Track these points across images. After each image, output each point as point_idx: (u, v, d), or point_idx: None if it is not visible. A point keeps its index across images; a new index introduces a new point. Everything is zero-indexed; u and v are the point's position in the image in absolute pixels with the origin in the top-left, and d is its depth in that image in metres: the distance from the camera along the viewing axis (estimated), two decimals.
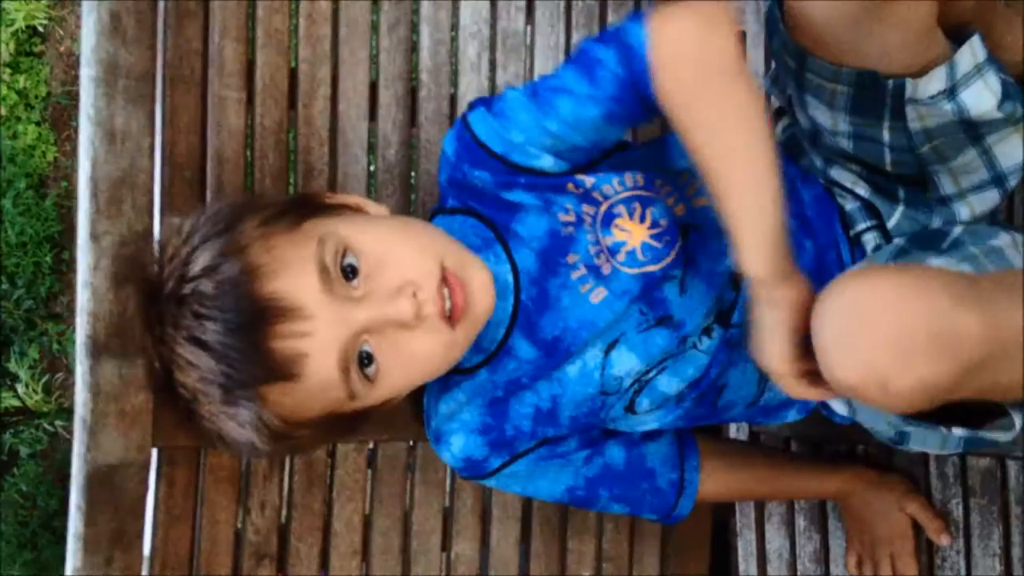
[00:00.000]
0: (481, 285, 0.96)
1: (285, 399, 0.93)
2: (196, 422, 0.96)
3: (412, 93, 1.21)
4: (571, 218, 1.03)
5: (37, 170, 3.36)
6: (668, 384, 1.05)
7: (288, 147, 1.15)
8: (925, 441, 0.97)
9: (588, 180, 1.03)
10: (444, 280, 0.93)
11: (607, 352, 1.03)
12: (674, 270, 1.02)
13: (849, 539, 1.28)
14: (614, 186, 1.03)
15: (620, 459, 1.12)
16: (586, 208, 1.03)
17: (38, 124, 3.38)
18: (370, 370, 0.93)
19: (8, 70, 3.33)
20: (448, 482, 1.22)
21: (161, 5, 1.07)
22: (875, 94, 0.93)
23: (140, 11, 1.04)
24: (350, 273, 0.92)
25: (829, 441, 1.30)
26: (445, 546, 1.22)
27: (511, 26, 1.25)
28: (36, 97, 3.39)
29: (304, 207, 0.97)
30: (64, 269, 3.38)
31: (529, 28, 1.27)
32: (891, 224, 1.05)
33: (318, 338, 0.90)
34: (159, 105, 1.08)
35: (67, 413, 2.96)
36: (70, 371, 3.31)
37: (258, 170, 1.13)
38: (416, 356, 0.94)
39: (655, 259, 1.01)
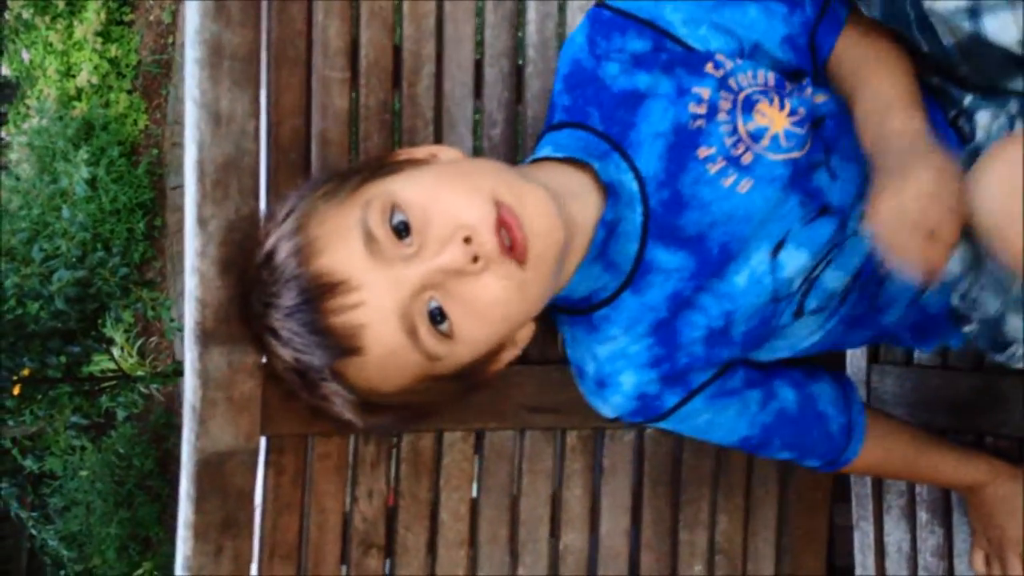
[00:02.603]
0: (540, 214, 0.90)
1: (363, 373, 0.92)
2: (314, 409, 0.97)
3: (518, 70, 1.17)
4: (702, 109, 0.99)
5: (129, 138, 3.41)
6: (834, 279, 1.01)
7: (393, 127, 1.12)
8: None
9: (728, 63, 1.02)
10: (501, 212, 0.88)
11: (775, 253, 0.99)
12: (817, 155, 1.00)
13: (975, 535, 1.22)
14: (748, 77, 1.02)
15: (792, 402, 1.07)
16: (723, 95, 1.00)
17: (129, 92, 3.43)
18: (444, 326, 0.90)
19: (99, 39, 3.37)
20: (557, 471, 1.19)
21: None
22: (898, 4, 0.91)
23: None
24: (403, 231, 0.89)
25: (956, 431, 1.24)
26: (554, 535, 1.19)
27: None
28: (127, 66, 3.43)
29: (367, 170, 0.95)
30: (156, 235, 3.44)
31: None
32: (967, 103, 1.01)
33: (372, 306, 0.88)
34: (263, 87, 1.05)
35: (161, 377, 3.02)
36: (163, 336, 3.38)
37: (363, 152, 1.11)
38: (486, 303, 0.90)
39: (799, 145, 0.99)
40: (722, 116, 0.99)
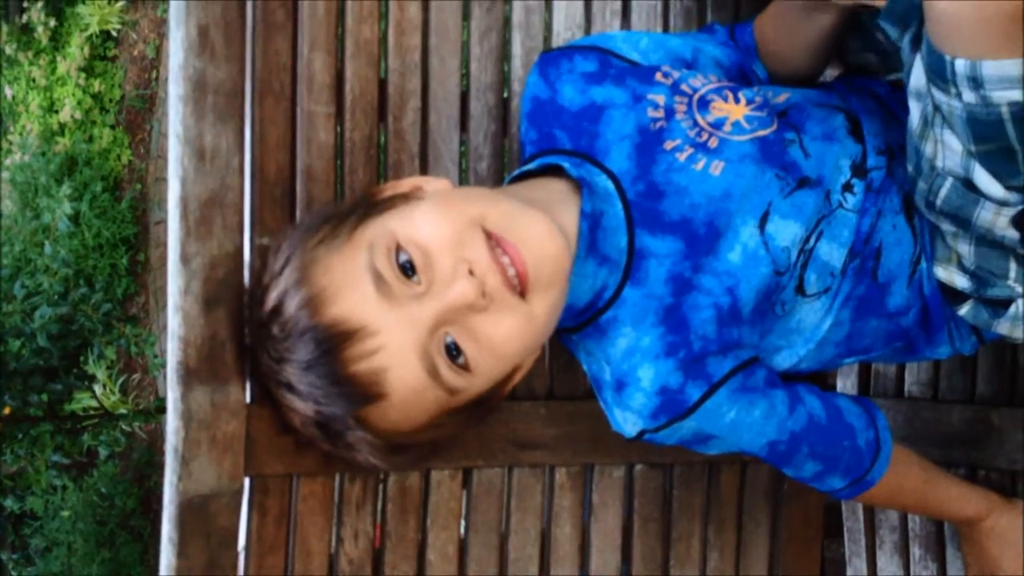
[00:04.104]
0: (539, 237, 0.90)
1: (385, 416, 0.91)
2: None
3: (504, 103, 1.17)
4: (660, 113, 1.04)
5: (112, 173, 3.40)
6: (829, 252, 1.02)
7: (378, 161, 1.11)
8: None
9: (675, 72, 1.08)
10: (494, 242, 0.89)
11: (762, 227, 0.99)
12: (787, 134, 1.02)
13: (969, 569, 1.21)
14: (699, 80, 1.07)
15: (820, 409, 1.05)
16: (678, 99, 1.05)
17: (113, 127, 3.42)
18: (461, 360, 0.90)
19: (83, 74, 3.36)
20: (546, 508, 1.17)
21: (249, 18, 1.04)
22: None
23: (228, 25, 1.01)
24: (409, 269, 0.89)
25: (948, 464, 1.23)
26: (544, 574, 1.17)
27: (606, 29, 1.20)
28: (110, 101, 3.42)
29: (358, 212, 0.94)
30: (139, 270, 3.42)
31: (625, 31, 1.21)
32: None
33: (392, 349, 0.88)
34: (248, 122, 1.04)
35: (144, 414, 2.98)
36: (146, 372, 3.34)
37: (348, 187, 1.10)
38: (497, 339, 0.90)
39: (763, 125, 1.03)
40: (680, 116, 1.03)
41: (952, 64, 0.82)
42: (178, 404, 0.99)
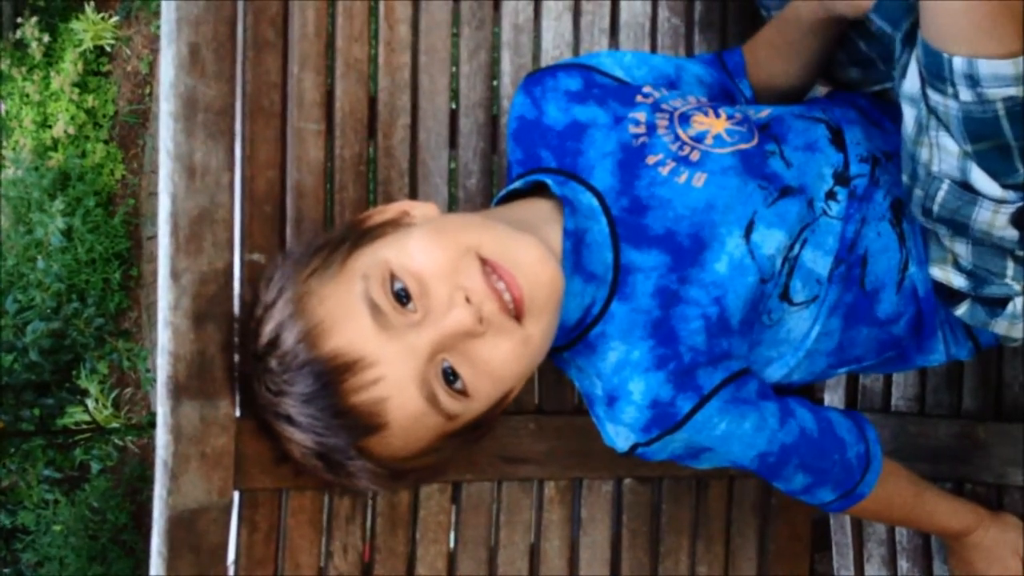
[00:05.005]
0: (532, 262, 0.91)
1: (386, 445, 0.92)
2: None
3: (493, 121, 1.18)
4: (642, 129, 1.05)
5: (106, 188, 3.40)
6: (814, 260, 1.02)
7: (368, 179, 1.12)
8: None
9: (656, 92, 1.10)
10: (489, 268, 0.90)
11: (747, 236, 1.00)
12: (768, 145, 1.04)
13: None
14: (679, 101, 1.09)
15: (811, 422, 1.06)
16: (659, 115, 1.07)
17: (106, 143, 3.42)
18: (459, 385, 0.91)
19: (76, 90, 3.37)
20: (535, 523, 1.18)
21: (240, 36, 1.05)
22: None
23: (219, 43, 1.02)
24: (404, 297, 0.90)
25: (935, 478, 1.24)
26: None
27: (594, 49, 1.21)
28: (104, 116, 3.43)
29: (348, 241, 0.95)
30: (132, 285, 3.42)
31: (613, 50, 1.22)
32: None
33: (391, 379, 0.89)
34: (238, 139, 1.05)
35: (136, 429, 2.98)
36: (139, 386, 3.34)
37: (338, 203, 1.10)
38: (494, 364, 0.91)
39: (744, 138, 1.05)
40: (661, 131, 1.05)
41: (950, 62, 0.84)
42: (167, 419, 0.99)
